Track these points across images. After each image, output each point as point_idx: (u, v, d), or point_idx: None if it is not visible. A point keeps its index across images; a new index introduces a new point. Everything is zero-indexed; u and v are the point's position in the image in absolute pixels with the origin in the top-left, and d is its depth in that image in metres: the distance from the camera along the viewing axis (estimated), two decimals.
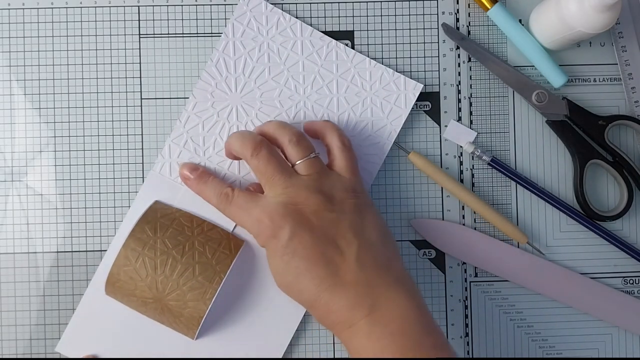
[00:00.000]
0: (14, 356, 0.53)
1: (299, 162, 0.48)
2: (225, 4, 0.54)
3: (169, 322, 0.50)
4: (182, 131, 0.53)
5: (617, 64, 0.54)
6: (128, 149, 0.53)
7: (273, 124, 0.50)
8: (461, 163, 0.54)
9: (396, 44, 0.54)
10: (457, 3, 0.55)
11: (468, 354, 0.54)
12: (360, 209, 0.48)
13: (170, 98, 0.54)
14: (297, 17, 0.54)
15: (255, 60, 0.53)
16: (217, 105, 0.53)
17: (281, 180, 0.47)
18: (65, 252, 0.53)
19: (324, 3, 0.54)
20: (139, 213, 0.51)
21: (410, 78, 0.54)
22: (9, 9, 0.53)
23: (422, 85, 0.53)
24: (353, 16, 0.54)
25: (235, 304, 0.52)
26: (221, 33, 0.54)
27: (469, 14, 0.55)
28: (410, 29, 0.54)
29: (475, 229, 0.54)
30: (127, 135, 0.53)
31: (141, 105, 0.54)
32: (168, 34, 0.54)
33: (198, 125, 0.53)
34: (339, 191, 0.48)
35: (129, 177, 0.53)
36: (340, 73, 0.53)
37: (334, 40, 0.53)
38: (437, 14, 0.55)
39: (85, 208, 0.53)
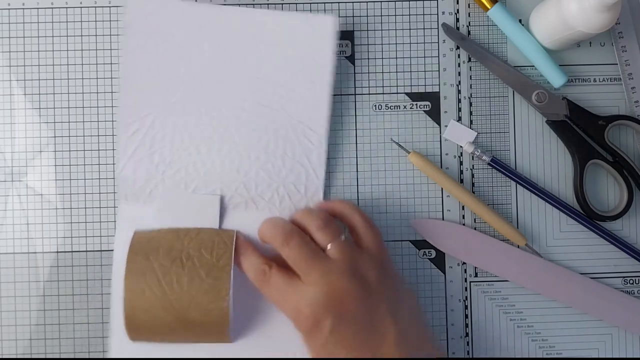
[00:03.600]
0: (14, 356, 0.53)
1: (329, 246, 0.48)
2: (225, 4, 0.54)
3: (201, 336, 0.49)
4: (128, 143, 0.52)
5: (617, 64, 0.54)
6: None
7: (300, 212, 0.50)
8: (461, 163, 0.54)
9: (396, 44, 0.54)
10: (457, 3, 0.55)
11: (468, 354, 0.54)
12: (395, 288, 0.48)
13: None
14: None
15: (173, 60, 0.51)
16: (145, 119, 0.52)
17: (316, 267, 0.47)
18: (65, 252, 0.53)
19: (324, 3, 0.54)
20: (124, 246, 0.50)
21: (410, 78, 0.54)
22: (9, 9, 0.53)
23: (337, 18, 0.52)
24: (353, 16, 0.54)
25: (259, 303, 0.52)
26: None
27: (469, 14, 0.55)
28: (410, 29, 0.54)
29: (475, 229, 0.54)
30: None
31: None
32: None
33: (145, 138, 0.52)
34: (373, 271, 0.48)
35: None
36: (256, 42, 0.52)
37: (231, 9, 0.51)
38: (437, 14, 0.55)
39: (85, 208, 0.53)
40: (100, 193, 0.53)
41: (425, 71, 0.54)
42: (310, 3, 0.54)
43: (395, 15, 0.54)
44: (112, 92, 0.53)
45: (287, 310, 0.47)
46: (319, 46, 0.52)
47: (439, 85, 0.54)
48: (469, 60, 0.55)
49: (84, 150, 0.53)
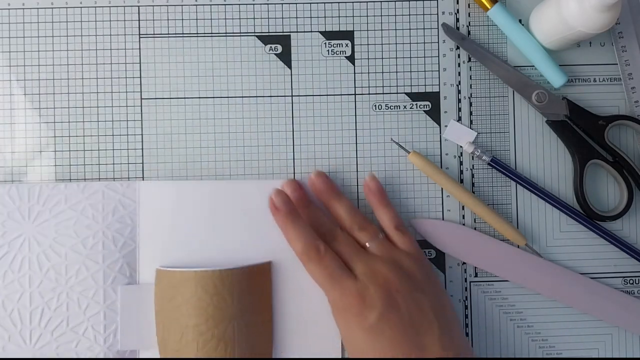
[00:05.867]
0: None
1: (368, 244, 0.49)
2: (225, 4, 0.54)
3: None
4: None
5: (617, 64, 0.54)
6: (128, 149, 0.53)
7: (337, 207, 0.51)
8: (461, 163, 0.54)
9: (396, 44, 0.54)
10: (457, 3, 0.55)
11: None
12: (435, 287, 0.49)
13: (170, 98, 0.54)
14: (296, 17, 0.54)
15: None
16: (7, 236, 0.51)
17: (361, 259, 0.48)
18: None
19: (324, 3, 0.54)
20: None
21: (410, 78, 0.54)
22: (9, 9, 0.53)
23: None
24: (353, 16, 0.54)
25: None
26: (221, 33, 0.54)
27: (469, 14, 0.55)
28: (410, 29, 0.54)
29: (475, 229, 0.54)
30: (127, 135, 0.53)
31: (141, 105, 0.54)
32: (168, 34, 0.54)
33: None
34: (414, 267, 0.48)
35: (129, 178, 0.53)
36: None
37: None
38: (437, 14, 0.55)
39: None
40: None
41: (425, 71, 0.54)
42: (310, 3, 0.54)
43: (395, 15, 0.54)
44: (111, 92, 0.54)
45: (335, 294, 0.47)
46: None
47: (439, 85, 0.54)
48: (469, 60, 0.55)
49: (84, 150, 0.53)
